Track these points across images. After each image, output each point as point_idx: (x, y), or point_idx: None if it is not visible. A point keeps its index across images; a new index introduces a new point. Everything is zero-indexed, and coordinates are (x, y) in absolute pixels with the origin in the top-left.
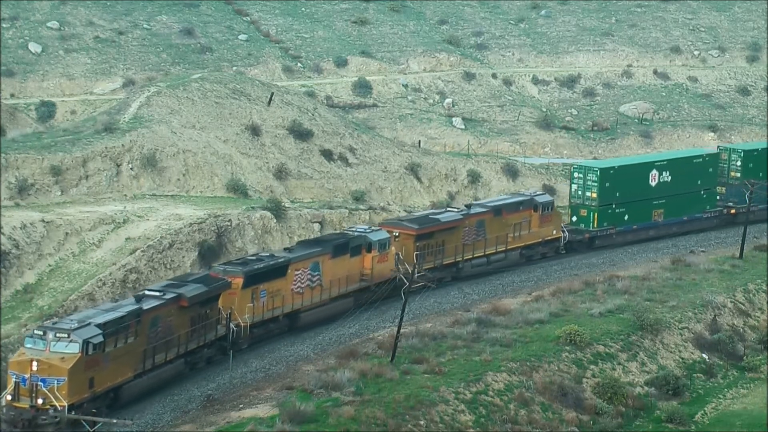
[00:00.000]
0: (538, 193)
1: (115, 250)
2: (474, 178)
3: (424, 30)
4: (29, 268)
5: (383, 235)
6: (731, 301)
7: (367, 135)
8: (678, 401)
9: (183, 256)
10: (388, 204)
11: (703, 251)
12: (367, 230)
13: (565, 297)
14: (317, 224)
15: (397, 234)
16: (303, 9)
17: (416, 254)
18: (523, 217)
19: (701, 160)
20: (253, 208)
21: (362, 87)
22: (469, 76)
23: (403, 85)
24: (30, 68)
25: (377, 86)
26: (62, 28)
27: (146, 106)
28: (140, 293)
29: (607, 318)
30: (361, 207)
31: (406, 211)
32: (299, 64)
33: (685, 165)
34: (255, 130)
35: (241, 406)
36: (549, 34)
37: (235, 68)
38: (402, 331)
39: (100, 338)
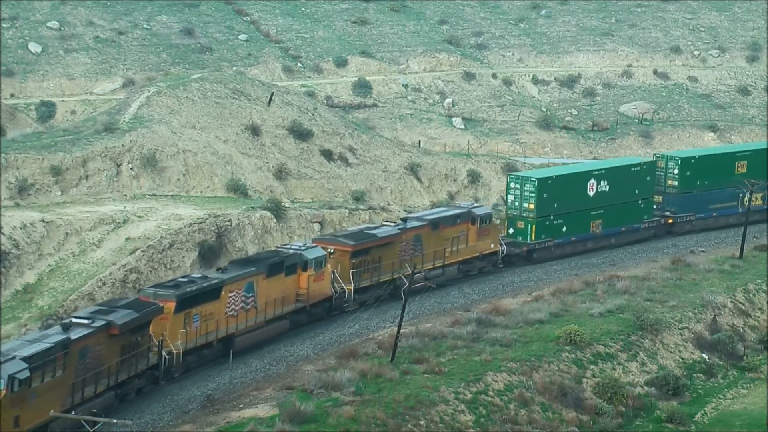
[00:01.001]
0: (475, 204)
1: (115, 250)
2: (474, 178)
3: (424, 30)
4: (29, 268)
5: (319, 252)
6: (731, 301)
7: (367, 135)
8: (678, 401)
9: (183, 256)
10: (388, 204)
11: (703, 251)
12: (303, 247)
13: (565, 297)
14: (317, 224)
15: (332, 251)
16: (303, 9)
17: (352, 272)
18: (461, 231)
19: (639, 168)
20: (253, 208)
21: (362, 87)
22: (469, 76)
23: (403, 85)
24: (30, 68)
25: (377, 86)
26: (62, 28)
27: (146, 106)
28: (67, 321)
29: (607, 318)
30: (361, 207)
31: (405, 210)
32: (299, 64)
33: (622, 174)
34: (255, 130)
35: (241, 406)
36: (549, 34)
37: (235, 68)
38: (402, 331)
39: (26, 373)
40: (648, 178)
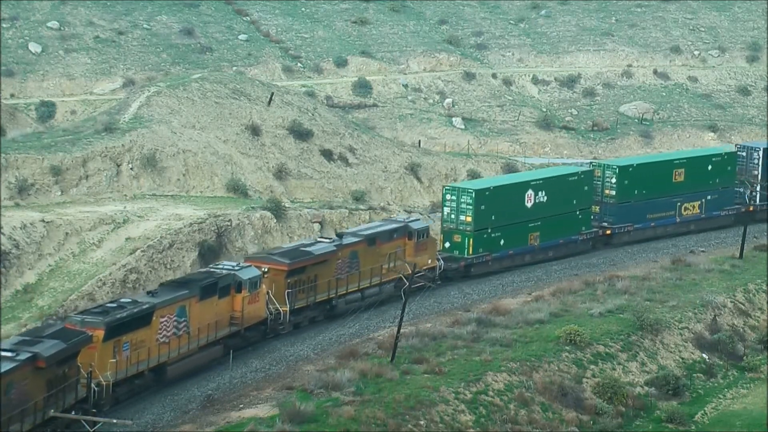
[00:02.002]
0: (412, 218)
1: (115, 250)
2: (474, 178)
3: (424, 30)
4: (29, 268)
5: (254, 272)
6: (731, 301)
7: (367, 135)
8: (678, 401)
9: (183, 256)
10: (388, 204)
11: (703, 251)
12: (236, 267)
13: (565, 297)
14: (317, 224)
15: (266, 270)
16: (303, 9)
17: (287, 292)
18: (398, 246)
19: (576, 178)
20: (253, 208)
21: (362, 87)
22: (469, 76)
23: (403, 85)
24: (30, 68)
25: (377, 86)
26: (62, 28)
27: (146, 106)
28: None
29: (607, 318)
30: (361, 207)
31: (406, 211)
32: (299, 64)
33: (560, 184)
34: (255, 130)
35: (241, 406)
36: (549, 34)
37: (235, 68)
38: (402, 331)
39: None
40: (586, 188)
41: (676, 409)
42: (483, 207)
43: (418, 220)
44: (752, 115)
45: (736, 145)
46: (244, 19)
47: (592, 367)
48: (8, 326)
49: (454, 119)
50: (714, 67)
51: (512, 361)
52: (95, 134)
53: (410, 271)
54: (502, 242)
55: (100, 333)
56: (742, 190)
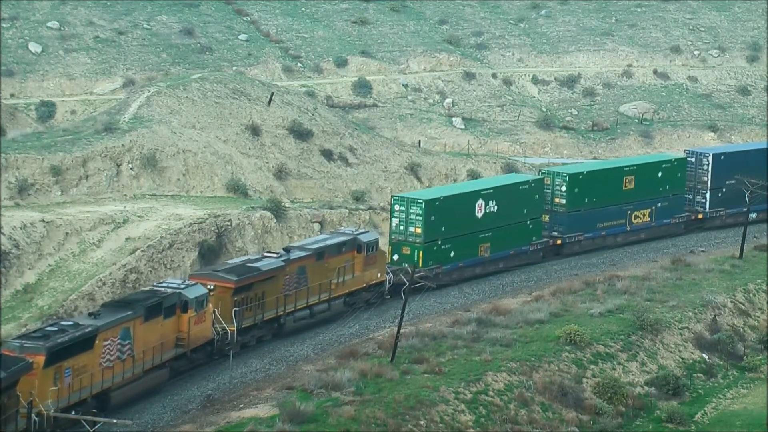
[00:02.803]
0: (361, 231)
1: (115, 250)
2: (474, 178)
3: (424, 30)
4: (29, 268)
5: (200, 290)
6: (731, 301)
7: (367, 135)
8: (678, 401)
9: (183, 256)
10: (388, 204)
11: (703, 251)
12: (182, 285)
13: (565, 297)
14: (317, 224)
15: (212, 287)
16: (303, 9)
17: (234, 310)
18: (347, 260)
19: (527, 186)
20: (253, 208)
21: (362, 87)
22: (469, 76)
23: (403, 85)
24: (30, 68)
25: (377, 86)
26: (62, 28)
27: (146, 106)
28: None
29: (607, 318)
30: (361, 207)
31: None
32: (299, 64)
33: (510, 192)
34: (255, 130)
35: (241, 406)
36: (549, 34)
37: (235, 68)
38: (402, 331)
39: None
40: (536, 197)
41: (676, 409)
42: (433, 218)
43: (367, 232)
44: (752, 115)
45: (684, 150)
46: (244, 19)
47: (592, 367)
48: (8, 326)
49: (454, 119)
50: (714, 67)
51: (512, 361)
52: (95, 134)
53: (360, 286)
54: (452, 254)
55: (40, 359)
56: (691, 197)
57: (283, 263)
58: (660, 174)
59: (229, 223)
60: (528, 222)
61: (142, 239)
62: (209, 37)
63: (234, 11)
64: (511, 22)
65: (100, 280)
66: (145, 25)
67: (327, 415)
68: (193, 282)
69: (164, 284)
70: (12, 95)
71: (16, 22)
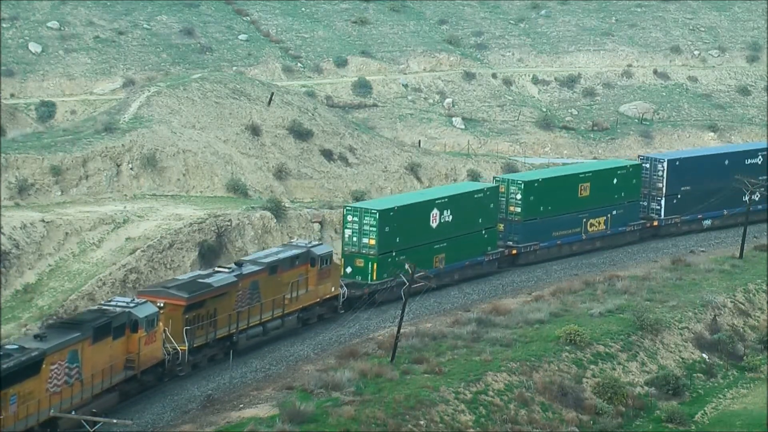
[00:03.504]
0: (314, 243)
1: (115, 250)
2: (474, 178)
3: (424, 30)
4: (29, 268)
5: (150, 309)
6: (731, 301)
7: (367, 135)
8: (678, 401)
9: (183, 256)
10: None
11: (703, 251)
12: (131, 304)
13: (565, 297)
14: (317, 224)
15: (161, 305)
16: (303, 9)
17: (186, 329)
18: (300, 274)
19: (482, 194)
20: (253, 208)
21: (362, 87)
22: (469, 76)
23: (403, 85)
24: (30, 68)
25: (377, 86)
26: (62, 28)
27: (146, 106)
28: None
29: (607, 318)
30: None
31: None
32: (299, 64)
33: (465, 201)
34: (255, 130)
35: (241, 406)
36: (549, 34)
37: (235, 68)
38: (402, 331)
39: None
40: (491, 205)
41: (676, 409)
42: (387, 229)
43: (321, 244)
44: (752, 115)
45: (639, 156)
46: (244, 19)
47: (592, 367)
48: (8, 326)
49: (454, 119)
50: (714, 67)
51: (512, 361)
52: (95, 134)
53: (314, 300)
54: (406, 266)
55: None
56: (645, 204)
57: (235, 278)
58: (615, 181)
59: (229, 223)
60: (483, 231)
61: (142, 239)
62: (209, 37)
63: (234, 11)
64: (511, 22)
65: (100, 280)
66: (145, 25)
67: (327, 415)
68: (143, 300)
69: (113, 303)
70: (12, 95)
71: (16, 22)
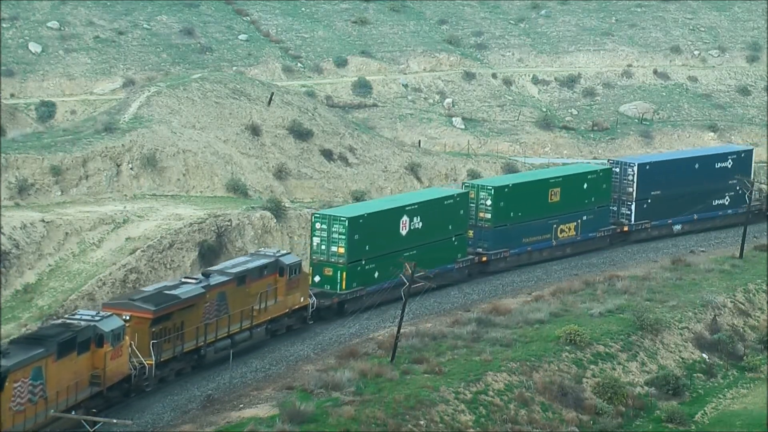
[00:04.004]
0: (282, 252)
1: (115, 250)
2: (474, 178)
3: (424, 30)
4: (29, 268)
5: (116, 322)
6: (731, 301)
7: (367, 135)
8: (678, 401)
9: (183, 256)
10: None
11: (703, 251)
12: (96, 317)
13: (565, 297)
14: None
15: (127, 317)
16: (303, 9)
17: (153, 343)
18: (269, 284)
19: (452, 201)
20: (253, 208)
21: (362, 87)
22: (469, 76)
23: (403, 85)
24: (30, 68)
25: (377, 86)
26: (62, 28)
27: (146, 106)
28: None
29: (607, 318)
30: None
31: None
32: (299, 64)
33: (435, 208)
34: (255, 130)
35: (241, 406)
36: (549, 34)
37: (235, 68)
38: (402, 331)
39: None
40: (461, 212)
41: (676, 409)
42: (357, 236)
43: (289, 253)
44: (752, 115)
45: (608, 160)
46: (244, 19)
47: (592, 367)
48: (8, 326)
49: (454, 119)
50: (714, 67)
51: (512, 361)
52: (95, 134)
53: (283, 311)
54: (376, 275)
55: None
56: (615, 208)
57: (203, 290)
58: (585, 185)
59: (229, 223)
60: (453, 238)
61: (142, 239)
62: (209, 37)
63: (234, 11)
64: (511, 22)
65: (100, 280)
66: (145, 25)
67: (327, 415)
68: (108, 313)
69: (77, 316)
70: (12, 95)
71: (16, 22)
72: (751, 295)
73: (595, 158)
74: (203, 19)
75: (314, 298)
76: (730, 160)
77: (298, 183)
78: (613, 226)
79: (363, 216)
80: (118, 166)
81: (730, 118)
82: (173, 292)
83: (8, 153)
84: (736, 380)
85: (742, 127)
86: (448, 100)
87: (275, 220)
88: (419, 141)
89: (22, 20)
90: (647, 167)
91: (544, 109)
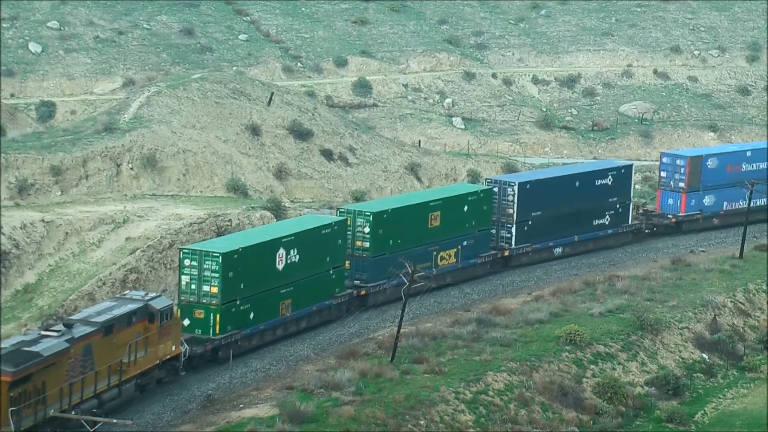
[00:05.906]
0: (152, 295)
1: (115, 250)
2: (474, 178)
3: (424, 30)
4: (29, 268)
5: None
6: (731, 301)
7: (367, 135)
8: (678, 401)
9: None
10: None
11: (703, 251)
12: None
13: (565, 297)
14: None
15: None
16: (303, 9)
17: (12, 410)
18: (138, 333)
19: (330, 230)
20: (253, 207)
21: (362, 87)
22: (469, 76)
23: (403, 85)
24: (30, 68)
25: (377, 86)
26: (62, 28)
27: (146, 106)
28: None
29: (607, 318)
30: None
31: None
32: (299, 64)
33: (313, 238)
34: (255, 130)
35: (241, 406)
36: (549, 34)
37: (235, 68)
38: (402, 331)
39: None
40: (339, 241)
41: (676, 409)
42: (231, 274)
43: (160, 296)
44: (752, 115)
45: (486, 179)
46: (244, 19)
47: (592, 367)
48: (8, 326)
49: (454, 119)
50: (714, 66)
51: (512, 361)
52: (95, 134)
53: (154, 363)
54: (252, 315)
55: None
56: (494, 231)
57: (67, 344)
58: (466, 208)
59: (229, 223)
60: (331, 271)
61: (142, 239)
62: (209, 37)
63: (234, 11)
64: (511, 22)
65: (100, 280)
66: (145, 25)
67: (327, 415)
68: None
69: None
70: (12, 95)
71: (16, 22)
72: (751, 295)
73: (595, 158)
74: (203, 19)
75: (186, 345)
76: (610, 177)
77: (298, 183)
78: (493, 251)
79: (237, 251)
80: (118, 166)
81: (730, 118)
82: (33, 348)
83: (8, 153)
84: (736, 380)
85: (742, 127)
86: (448, 100)
87: (275, 220)
88: (419, 141)
89: (22, 20)
90: (528, 186)
91: (544, 109)
